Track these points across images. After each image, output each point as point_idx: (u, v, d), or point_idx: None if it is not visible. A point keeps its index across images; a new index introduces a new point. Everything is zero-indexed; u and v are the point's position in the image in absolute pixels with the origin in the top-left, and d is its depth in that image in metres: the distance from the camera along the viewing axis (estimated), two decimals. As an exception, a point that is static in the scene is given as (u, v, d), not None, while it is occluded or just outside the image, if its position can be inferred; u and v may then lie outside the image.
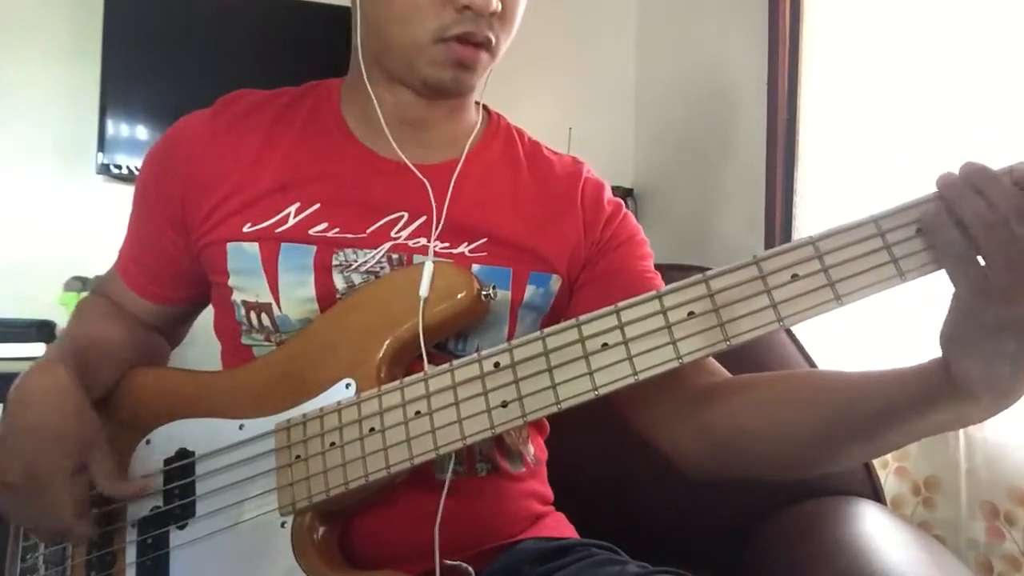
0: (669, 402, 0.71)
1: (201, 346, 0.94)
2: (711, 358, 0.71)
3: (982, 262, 0.51)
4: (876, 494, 1.05)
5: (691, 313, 0.56)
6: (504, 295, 0.73)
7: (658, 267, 0.81)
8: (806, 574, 0.84)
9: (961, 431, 1.35)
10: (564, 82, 2.43)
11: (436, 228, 0.72)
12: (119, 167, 2.02)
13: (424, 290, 0.66)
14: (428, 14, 0.68)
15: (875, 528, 0.90)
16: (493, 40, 0.70)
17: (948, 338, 0.54)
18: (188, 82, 2.01)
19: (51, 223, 2.04)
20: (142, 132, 2.03)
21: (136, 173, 2.04)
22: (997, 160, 0.52)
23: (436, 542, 0.65)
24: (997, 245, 0.50)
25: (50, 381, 0.66)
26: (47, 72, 2.05)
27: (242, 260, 0.72)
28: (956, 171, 0.52)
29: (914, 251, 0.53)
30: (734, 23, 2.02)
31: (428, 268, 0.67)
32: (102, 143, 2.00)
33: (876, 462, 1.16)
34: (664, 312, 0.57)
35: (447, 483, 0.66)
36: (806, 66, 1.74)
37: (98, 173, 2.03)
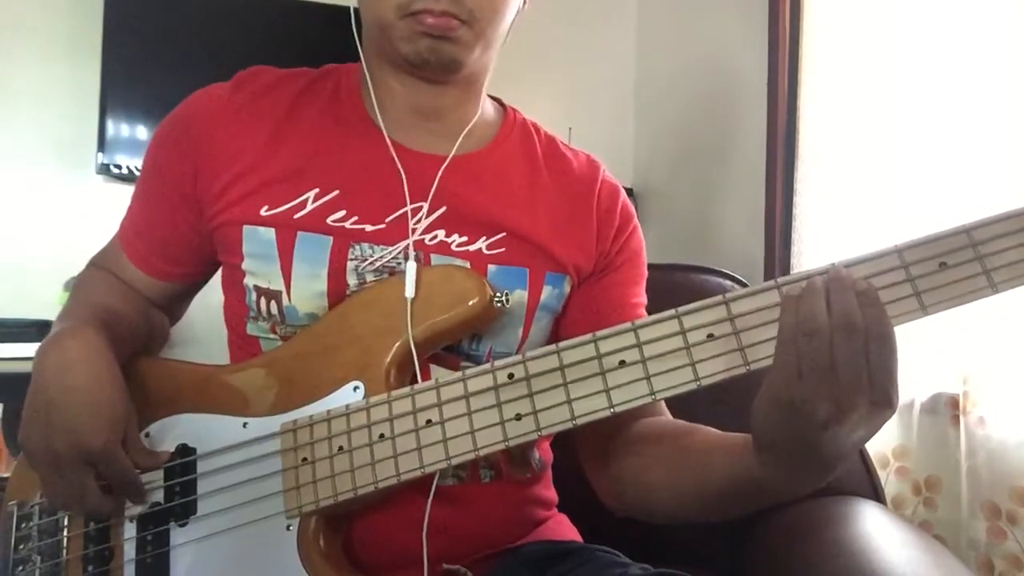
0: (599, 443, 0.75)
1: (202, 346, 0.94)
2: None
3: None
4: (876, 494, 1.05)
5: (711, 335, 0.56)
6: (520, 295, 0.73)
7: (660, 267, 0.82)
8: (806, 574, 0.84)
9: (962, 430, 1.35)
10: (564, 82, 2.43)
11: (425, 215, 0.72)
12: (119, 167, 2.02)
13: (410, 291, 0.67)
14: None
15: (875, 528, 0.90)
16: (463, 14, 0.68)
17: (756, 420, 0.55)
18: (188, 82, 1.98)
19: (51, 223, 2.04)
20: (142, 132, 2.03)
21: (136, 173, 2.05)
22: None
23: (424, 548, 0.65)
24: (799, 353, 0.50)
25: (85, 346, 0.65)
26: (47, 72, 2.05)
27: (257, 244, 0.71)
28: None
29: (938, 285, 0.53)
30: (734, 23, 2.03)
31: (411, 269, 0.67)
32: (102, 143, 2.00)
33: (876, 462, 1.16)
34: (683, 333, 0.56)
35: (432, 488, 0.66)
36: (806, 66, 1.74)
37: (98, 173, 2.03)
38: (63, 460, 0.62)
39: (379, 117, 0.75)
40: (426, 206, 0.72)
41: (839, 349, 0.49)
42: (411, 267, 0.67)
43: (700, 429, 0.69)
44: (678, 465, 0.66)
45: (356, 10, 0.76)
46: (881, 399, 0.50)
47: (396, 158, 0.73)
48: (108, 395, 0.64)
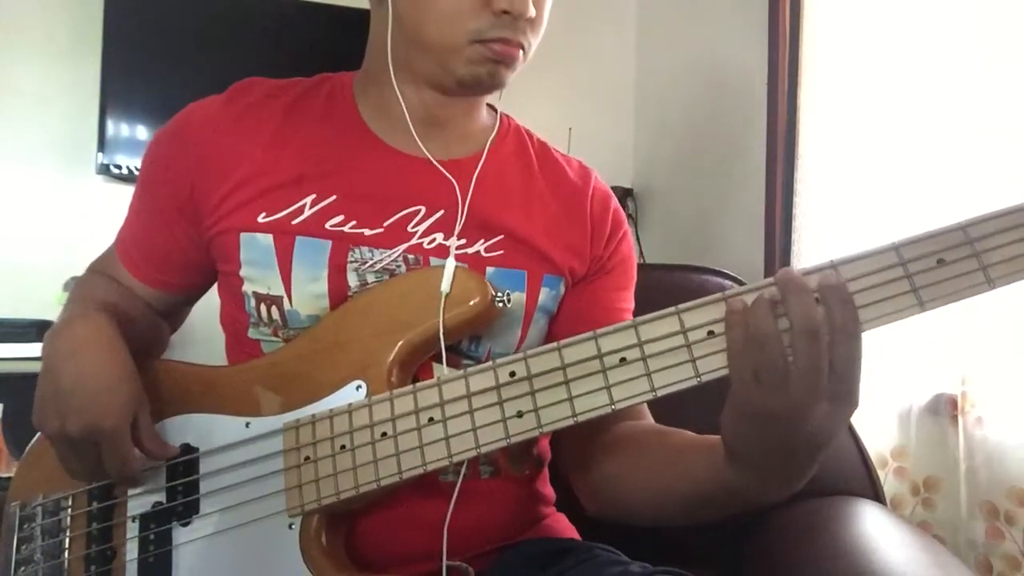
0: (579, 449, 0.76)
1: (202, 346, 0.94)
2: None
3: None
4: (876, 494, 1.05)
5: (711, 332, 0.56)
6: (519, 298, 0.73)
7: (660, 267, 0.82)
8: (806, 574, 0.84)
9: (960, 430, 1.35)
10: (564, 82, 2.43)
11: (459, 223, 0.73)
12: (119, 167, 2.02)
13: (446, 286, 0.67)
14: (467, 17, 0.67)
15: (875, 528, 0.91)
16: (526, 44, 0.71)
17: (726, 432, 0.57)
18: (188, 82, 2.00)
19: (51, 223, 2.05)
20: (142, 132, 2.03)
21: (136, 173, 2.06)
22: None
23: (444, 545, 0.66)
24: (771, 360, 0.51)
25: (96, 330, 0.66)
26: (47, 72, 2.05)
27: (255, 251, 0.71)
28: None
29: (935, 281, 0.53)
30: (734, 23, 2.03)
31: (450, 265, 0.68)
32: (102, 143, 2.00)
33: (876, 462, 1.16)
34: (684, 331, 0.57)
35: (457, 487, 0.67)
36: (806, 66, 1.74)
37: (98, 173, 2.03)
38: (77, 442, 0.63)
39: (376, 124, 0.76)
40: (424, 210, 0.73)
41: (799, 353, 0.51)
42: (450, 264, 0.68)
43: (675, 432, 0.70)
44: (657, 469, 0.67)
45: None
46: (843, 394, 0.51)
47: (394, 163, 0.74)
48: (118, 377, 0.65)
